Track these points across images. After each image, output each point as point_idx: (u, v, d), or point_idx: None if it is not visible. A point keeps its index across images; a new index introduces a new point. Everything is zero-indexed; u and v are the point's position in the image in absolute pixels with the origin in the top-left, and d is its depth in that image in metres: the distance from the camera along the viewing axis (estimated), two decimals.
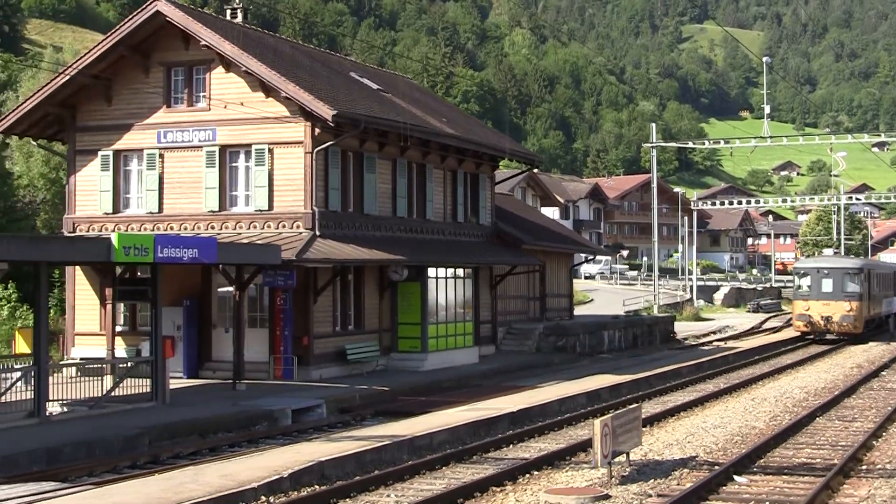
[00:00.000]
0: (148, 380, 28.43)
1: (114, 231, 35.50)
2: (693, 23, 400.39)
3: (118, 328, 34.36)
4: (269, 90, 34.14)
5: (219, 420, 26.25)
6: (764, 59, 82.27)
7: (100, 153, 36.59)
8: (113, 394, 27.61)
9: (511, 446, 23.29)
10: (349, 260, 33.75)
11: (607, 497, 17.57)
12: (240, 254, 29.90)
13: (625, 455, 20.09)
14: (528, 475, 19.75)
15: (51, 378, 26.73)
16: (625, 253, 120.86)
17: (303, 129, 33.89)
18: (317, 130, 33.74)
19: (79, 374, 29.74)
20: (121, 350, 34.28)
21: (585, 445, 22.28)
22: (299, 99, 33.05)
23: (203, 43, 34.31)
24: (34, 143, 40.01)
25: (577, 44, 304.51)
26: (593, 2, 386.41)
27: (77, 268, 36.30)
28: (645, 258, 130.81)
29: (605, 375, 36.34)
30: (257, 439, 25.17)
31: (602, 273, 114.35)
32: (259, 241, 32.61)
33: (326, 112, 32.51)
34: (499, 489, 18.60)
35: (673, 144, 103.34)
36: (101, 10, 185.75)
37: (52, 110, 36.76)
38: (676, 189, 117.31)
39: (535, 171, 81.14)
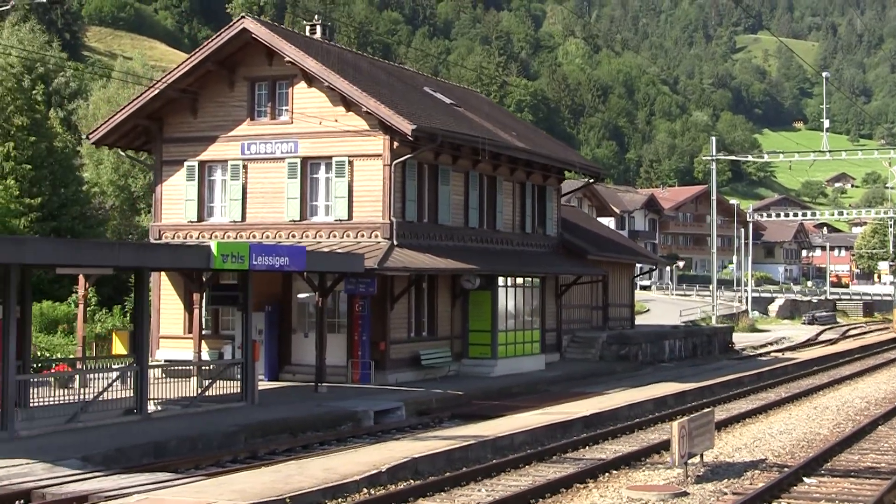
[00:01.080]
0: (234, 381, 30.00)
1: (198, 238, 37.28)
2: (747, 33, 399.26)
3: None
4: (349, 105, 35.63)
5: (307, 420, 27.68)
6: (823, 73, 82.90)
7: (185, 164, 38.24)
8: (206, 394, 29.13)
9: (587, 448, 24.50)
10: (426, 269, 35.18)
11: (685, 494, 18.76)
12: (327, 262, 31.39)
13: (698, 456, 21.26)
14: (607, 474, 20.97)
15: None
16: (680, 264, 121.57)
17: (382, 143, 35.37)
18: (395, 144, 35.20)
19: (163, 375, 31.30)
20: (203, 353, 35.78)
21: (659, 448, 23.56)
22: (380, 114, 34.51)
23: (287, 59, 35.88)
24: (122, 153, 41.78)
25: (630, 53, 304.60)
26: (647, 11, 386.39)
27: (162, 273, 37.87)
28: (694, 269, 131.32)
29: (669, 383, 37.46)
30: (345, 438, 26.57)
31: None
32: (339, 250, 34.05)
33: (406, 127, 33.97)
34: (582, 486, 19.83)
35: (732, 158, 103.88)
36: (159, 17, 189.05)
37: (140, 122, 38.48)
38: (732, 201, 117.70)
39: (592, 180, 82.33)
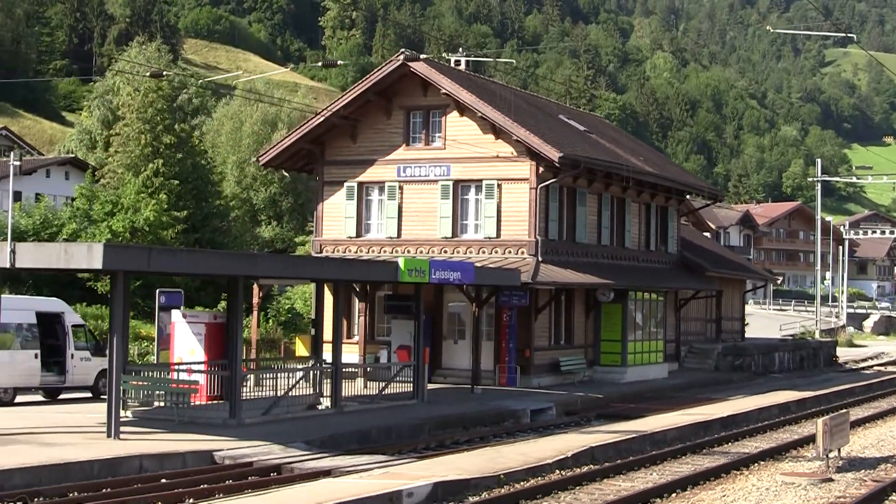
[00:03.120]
0: (395, 381, 33.68)
1: (356, 253, 41.17)
2: (836, 46, 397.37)
3: (356, 338, 39.84)
4: (499, 133, 39.29)
5: (475, 415, 31.37)
6: None
7: (345, 184, 42.10)
8: (384, 392, 32.90)
9: (730, 444, 27.90)
10: (570, 283, 38.78)
11: (831, 480, 22.08)
12: (490, 276, 35.00)
13: (836, 451, 24.53)
14: (756, 464, 24.38)
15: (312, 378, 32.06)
16: (779, 280, 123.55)
17: (528, 168, 39.01)
18: (541, 169, 38.80)
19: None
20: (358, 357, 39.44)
21: (795, 445, 27.03)
22: (529, 142, 38.14)
23: (443, 91, 39.62)
24: (286, 174, 45.85)
25: (718, 67, 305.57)
26: (734, 25, 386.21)
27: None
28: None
29: (786, 392, 40.67)
30: (512, 432, 30.13)
31: None
32: (490, 266, 37.62)
33: (553, 154, 37.58)
34: (738, 472, 23.24)
35: (837, 179, 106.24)
36: (252, 30, 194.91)
37: (304, 146, 42.48)
38: (828, 218, 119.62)
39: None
